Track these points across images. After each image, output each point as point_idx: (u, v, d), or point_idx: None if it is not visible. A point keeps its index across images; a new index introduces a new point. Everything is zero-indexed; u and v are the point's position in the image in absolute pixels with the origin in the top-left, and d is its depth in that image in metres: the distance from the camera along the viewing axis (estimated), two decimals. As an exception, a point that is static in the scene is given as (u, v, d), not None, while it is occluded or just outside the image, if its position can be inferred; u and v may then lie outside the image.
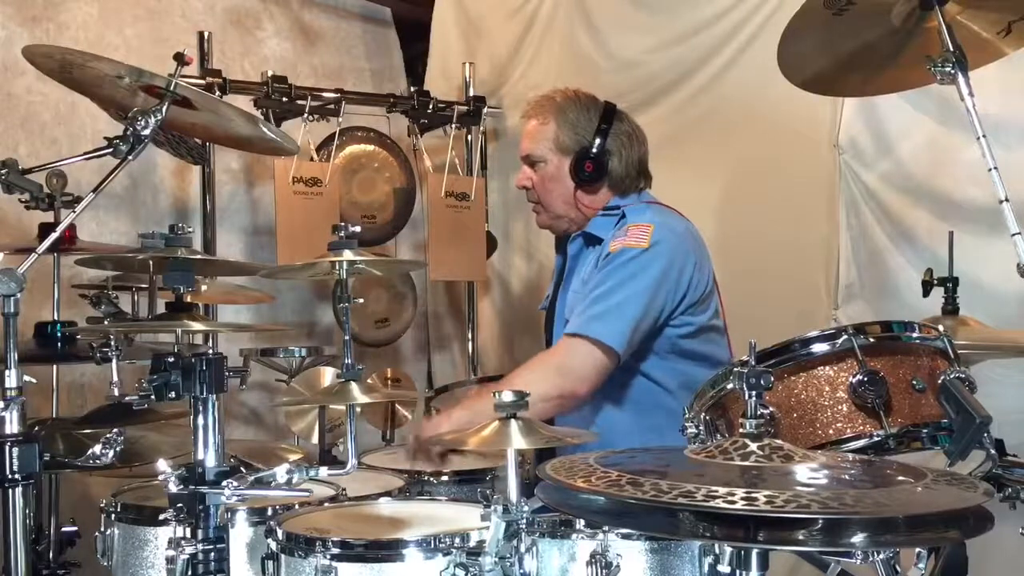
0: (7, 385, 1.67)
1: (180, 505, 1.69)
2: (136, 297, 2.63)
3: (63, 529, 2.58)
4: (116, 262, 2.36)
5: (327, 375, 3.21)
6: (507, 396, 1.61)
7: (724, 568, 1.33)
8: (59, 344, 2.44)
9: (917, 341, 1.72)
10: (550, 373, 2.30)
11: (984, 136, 1.65)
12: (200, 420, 1.73)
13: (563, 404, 2.30)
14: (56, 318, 2.68)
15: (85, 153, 1.94)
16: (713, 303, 2.47)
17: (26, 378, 1.70)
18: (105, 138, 1.88)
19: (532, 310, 3.97)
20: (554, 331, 2.63)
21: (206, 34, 3.55)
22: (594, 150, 2.50)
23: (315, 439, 2.97)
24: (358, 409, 2.19)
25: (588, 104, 2.56)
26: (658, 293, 2.34)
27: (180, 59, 1.93)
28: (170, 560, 1.68)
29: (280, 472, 1.67)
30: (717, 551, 1.49)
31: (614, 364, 2.31)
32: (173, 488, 1.69)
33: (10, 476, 1.65)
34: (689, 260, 2.39)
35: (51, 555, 2.56)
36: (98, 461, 1.96)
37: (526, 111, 2.64)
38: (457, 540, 1.64)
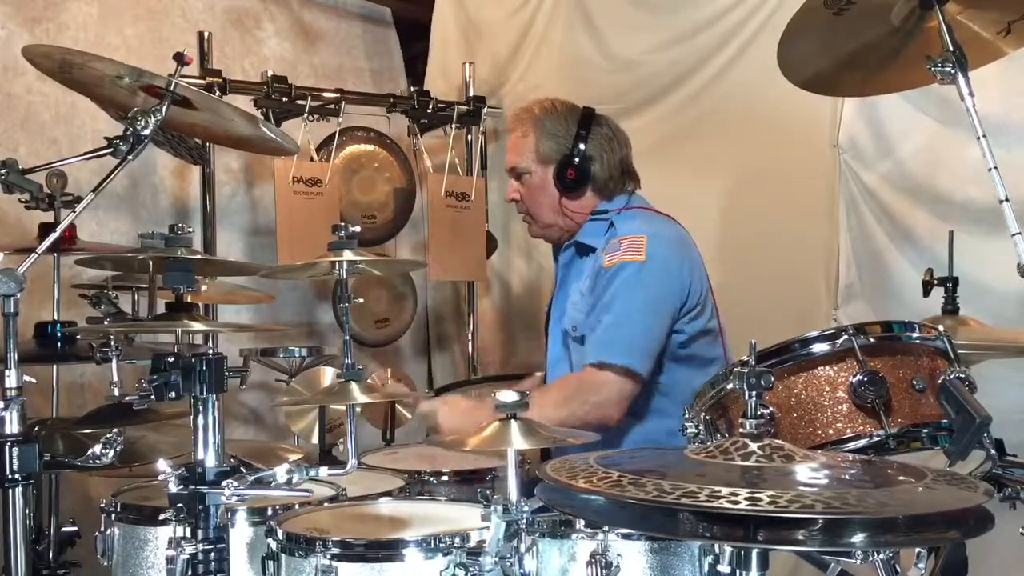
0: (7, 385, 1.66)
1: (180, 505, 1.68)
2: (136, 297, 2.62)
3: (63, 529, 2.57)
4: (116, 262, 2.36)
5: (327, 375, 3.21)
6: (507, 397, 1.61)
7: (724, 568, 1.33)
8: (59, 344, 2.43)
9: (917, 341, 1.72)
10: (582, 406, 2.30)
11: (984, 136, 1.65)
12: (200, 420, 1.73)
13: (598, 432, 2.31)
14: (56, 318, 2.68)
15: (85, 153, 1.94)
16: (709, 306, 2.47)
17: (26, 378, 1.70)
18: (105, 138, 1.87)
19: (532, 310, 3.98)
20: (549, 336, 2.64)
21: (206, 34, 3.55)
22: (575, 157, 2.51)
23: (315, 439, 2.97)
24: (358, 409, 2.19)
25: (566, 112, 2.57)
26: (663, 305, 2.36)
27: (180, 59, 1.92)
28: (170, 560, 1.68)
29: (280, 472, 1.66)
30: (717, 551, 1.50)
31: (640, 386, 2.34)
32: (173, 488, 1.69)
33: (10, 476, 1.65)
34: (684, 266, 2.41)
35: (51, 555, 2.55)
36: (98, 461, 1.96)
37: (507, 125, 2.66)
38: (457, 540, 1.64)
